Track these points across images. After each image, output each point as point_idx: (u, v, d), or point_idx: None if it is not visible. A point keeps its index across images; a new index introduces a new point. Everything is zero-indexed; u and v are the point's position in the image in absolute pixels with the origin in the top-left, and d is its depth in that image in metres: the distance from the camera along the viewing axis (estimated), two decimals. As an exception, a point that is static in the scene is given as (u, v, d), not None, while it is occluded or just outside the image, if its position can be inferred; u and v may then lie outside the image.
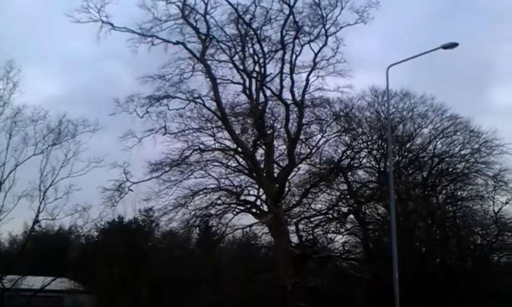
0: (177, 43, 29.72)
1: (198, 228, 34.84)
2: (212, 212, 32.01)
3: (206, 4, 29.37)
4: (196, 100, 30.06)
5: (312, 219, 33.56)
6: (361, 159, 35.51)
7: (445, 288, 31.89)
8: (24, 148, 30.13)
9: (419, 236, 35.81)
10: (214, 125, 31.06)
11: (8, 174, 29.65)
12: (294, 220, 32.38)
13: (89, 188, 31.80)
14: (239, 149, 30.78)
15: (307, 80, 29.91)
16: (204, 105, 30.26)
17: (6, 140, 29.84)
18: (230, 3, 29.18)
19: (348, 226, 35.54)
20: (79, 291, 37.19)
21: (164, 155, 30.34)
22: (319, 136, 32.57)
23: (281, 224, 29.08)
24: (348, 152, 34.19)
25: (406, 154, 36.90)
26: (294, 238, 31.94)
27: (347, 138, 34.25)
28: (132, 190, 30.03)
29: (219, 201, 31.74)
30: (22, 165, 29.92)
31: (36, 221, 31.44)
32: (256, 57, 30.57)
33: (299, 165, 32.52)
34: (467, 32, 62.51)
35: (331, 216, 33.70)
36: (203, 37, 29.99)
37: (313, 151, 32.71)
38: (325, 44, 29.48)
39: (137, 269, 35.49)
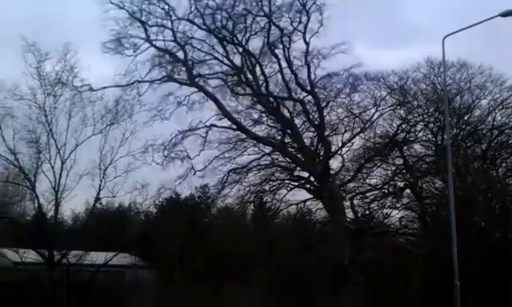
0: (164, 80, 30.94)
1: (252, 204, 35.27)
2: (266, 187, 32.41)
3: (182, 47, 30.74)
4: (212, 128, 31.05)
5: (367, 194, 33.35)
6: (417, 133, 34.86)
7: (506, 263, 31.12)
8: (83, 128, 31.01)
9: (478, 211, 34.89)
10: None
11: (69, 154, 30.64)
12: (349, 195, 32.28)
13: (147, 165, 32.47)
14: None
15: (308, 65, 30.29)
16: (223, 126, 31.32)
17: (66, 121, 30.79)
18: (204, 28, 30.85)
19: (404, 200, 35.08)
20: (139, 266, 38.28)
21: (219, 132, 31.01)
22: (373, 110, 32.21)
23: (336, 199, 29.08)
24: (403, 126, 33.62)
25: (463, 127, 35.85)
26: (350, 214, 31.88)
27: (402, 111, 33.68)
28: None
29: (272, 177, 32.03)
30: (82, 145, 30.85)
31: (97, 199, 32.49)
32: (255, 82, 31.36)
33: (353, 140, 32.34)
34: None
35: (386, 191, 33.33)
36: (190, 64, 30.99)
37: (367, 125, 32.39)
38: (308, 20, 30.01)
39: (194, 245, 36.23)
